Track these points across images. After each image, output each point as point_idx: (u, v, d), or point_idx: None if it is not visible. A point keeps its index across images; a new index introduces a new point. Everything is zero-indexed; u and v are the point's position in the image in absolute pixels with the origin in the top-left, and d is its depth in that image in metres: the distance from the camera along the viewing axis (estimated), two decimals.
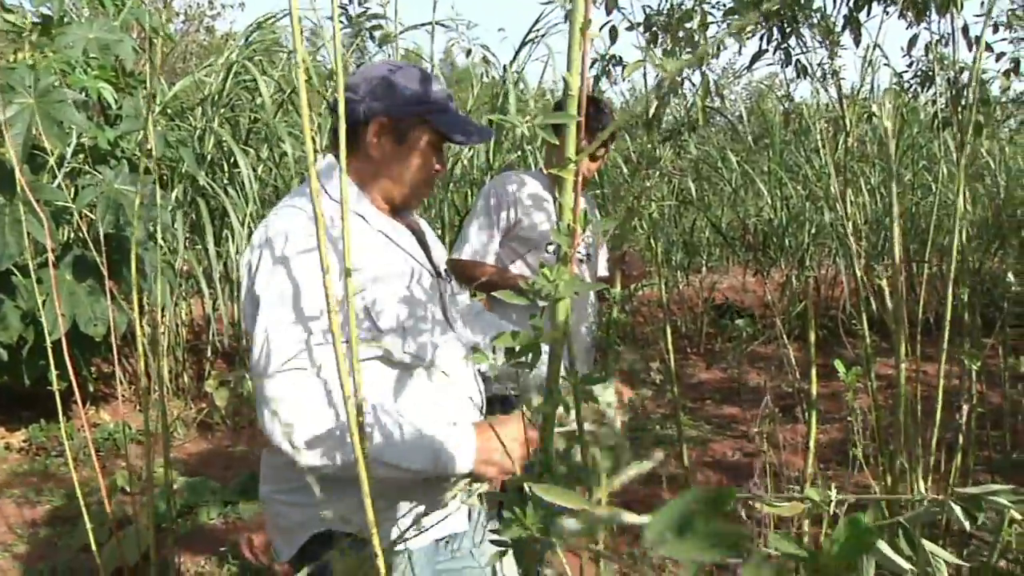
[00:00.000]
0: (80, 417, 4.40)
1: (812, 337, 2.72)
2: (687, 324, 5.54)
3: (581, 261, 2.42)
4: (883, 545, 1.07)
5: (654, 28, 2.37)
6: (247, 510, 3.35)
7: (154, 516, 3.24)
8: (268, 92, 4.12)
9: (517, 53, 4.22)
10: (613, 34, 2.33)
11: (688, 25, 2.33)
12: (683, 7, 2.37)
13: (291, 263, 1.36)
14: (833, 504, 1.18)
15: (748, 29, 2.72)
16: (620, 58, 2.53)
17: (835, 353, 4.42)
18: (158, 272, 3.54)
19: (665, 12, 2.37)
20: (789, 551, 0.90)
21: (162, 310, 4.36)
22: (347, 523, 1.38)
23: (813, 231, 5.27)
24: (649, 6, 2.50)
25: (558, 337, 0.95)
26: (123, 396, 4.63)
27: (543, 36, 4.19)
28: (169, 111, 4.68)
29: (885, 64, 3.00)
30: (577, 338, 2.38)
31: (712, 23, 2.30)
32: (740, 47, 2.47)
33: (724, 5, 2.31)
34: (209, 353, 4.96)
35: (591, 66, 2.52)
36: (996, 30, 3.15)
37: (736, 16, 2.26)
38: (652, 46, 2.29)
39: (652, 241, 5.02)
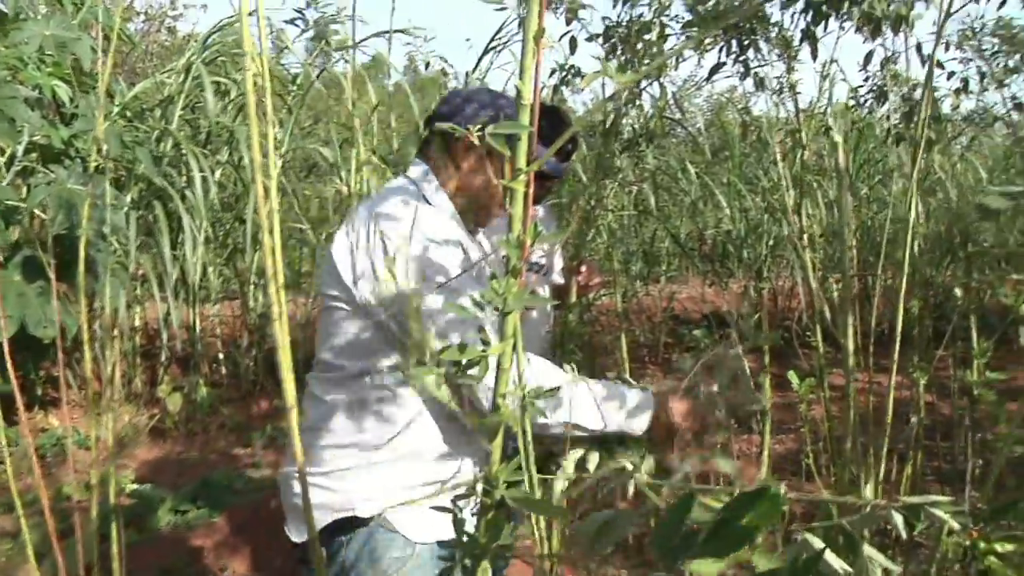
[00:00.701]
0: (29, 422, 4.30)
1: (766, 348, 2.75)
2: (645, 334, 5.57)
3: (537, 271, 2.38)
4: (817, 542, 1.08)
5: (613, 39, 2.39)
6: (198, 518, 3.29)
7: (99, 526, 3.18)
8: (212, 95, 4.07)
9: (479, 61, 4.21)
10: (573, 44, 2.34)
11: (647, 37, 2.35)
12: (642, 19, 2.38)
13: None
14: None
15: (707, 42, 2.75)
16: (579, 68, 2.54)
17: (791, 364, 4.47)
18: (106, 274, 3.48)
19: (624, 24, 2.39)
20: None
21: (114, 312, 4.28)
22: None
23: (771, 243, 5.32)
24: (608, 18, 2.51)
25: (508, 350, 0.94)
26: (71, 401, 4.54)
27: (506, 44, 4.19)
28: (128, 112, 4.60)
29: (843, 79, 3.06)
30: (532, 346, 2.37)
31: (671, 35, 2.32)
32: (699, 60, 2.49)
33: (682, 18, 2.33)
34: (163, 358, 4.88)
35: (550, 75, 2.54)
36: (947, 49, 3.22)
37: (694, 28, 2.28)
38: (611, 57, 2.30)
39: (611, 251, 5.04)
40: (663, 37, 2.28)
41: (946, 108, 2.92)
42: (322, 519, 1.51)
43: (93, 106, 4.14)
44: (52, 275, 2.28)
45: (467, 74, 4.17)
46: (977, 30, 3.19)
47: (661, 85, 2.37)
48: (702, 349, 4.91)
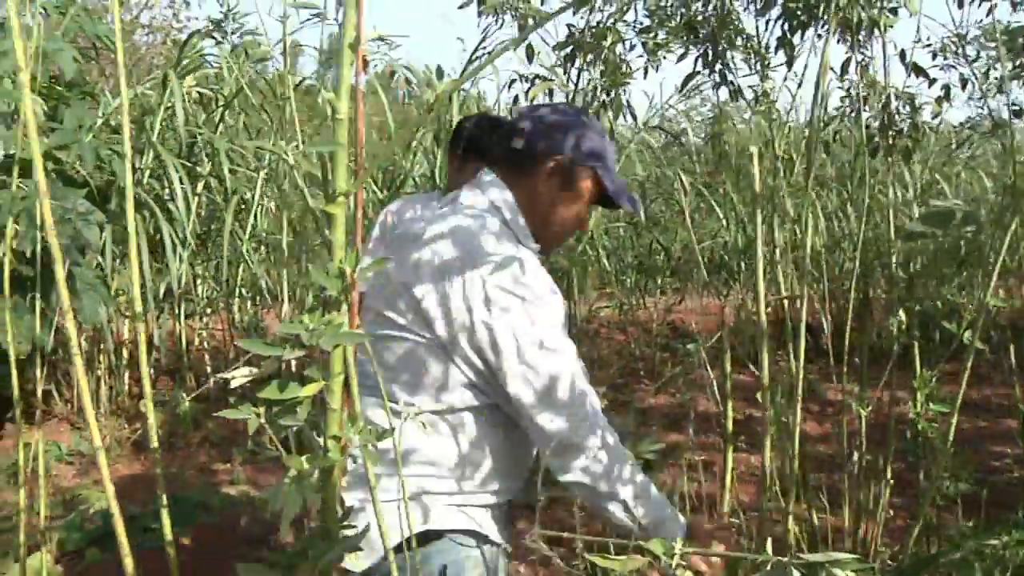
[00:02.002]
0: (12, 436, 4.28)
1: (727, 367, 2.65)
2: (641, 347, 5.46)
3: None
4: None
5: (571, 47, 2.31)
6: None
7: (64, 543, 3.14)
8: (181, 107, 4.03)
9: (464, 71, 4.15)
10: (530, 53, 2.27)
11: (604, 43, 2.27)
12: (600, 25, 2.31)
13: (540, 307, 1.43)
14: (678, 557, 1.11)
15: (679, 51, 2.67)
16: (539, 77, 2.47)
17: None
18: (85, 289, 3.44)
19: (582, 31, 2.31)
20: None
21: (94, 327, 4.25)
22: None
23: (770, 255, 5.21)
24: (572, 25, 2.44)
25: (335, 389, 0.86)
26: (58, 415, 4.51)
27: (490, 53, 4.12)
28: (113, 123, 4.58)
29: (839, 87, 2.94)
30: None
31: (626, 39, 2.24)
32: (656, 66, 2.41)
33: (640, 23, 2.25)
34: (152, 372, 4.84)
35: (510, 85, 2.46)
36: (935, 57, 3.12)
37: (651, 35, 2.20)
38: (569, 65, 2.22)
39: (606, 262, 4.95)
40: (617, 42, 2.19)
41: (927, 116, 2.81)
42: (395, 539, 1.47)
43: (82, 119, 4.12)
44: (6, 290, 2.23)
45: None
46: (964, 35, 3.08)
47: (618, 95, 2.28)
48: (694, 363, 4.81)
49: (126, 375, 4.84)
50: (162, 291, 4.76)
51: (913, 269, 3.49)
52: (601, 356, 5.42)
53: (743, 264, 5.24)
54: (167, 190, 4.35)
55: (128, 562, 1.10)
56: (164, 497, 1.19)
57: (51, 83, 4.23)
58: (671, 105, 4.27)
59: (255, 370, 0.91)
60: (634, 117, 2.39)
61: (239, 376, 0.88)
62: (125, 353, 4.82)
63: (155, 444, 1.21)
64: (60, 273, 1.12)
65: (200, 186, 4.44)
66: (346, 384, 0.87)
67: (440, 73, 1.74)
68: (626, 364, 5.30)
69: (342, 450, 0.87)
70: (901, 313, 2.08)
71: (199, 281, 4.86)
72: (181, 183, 4.08)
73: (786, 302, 6.13)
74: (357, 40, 0.79)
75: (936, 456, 1.40)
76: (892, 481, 2.30)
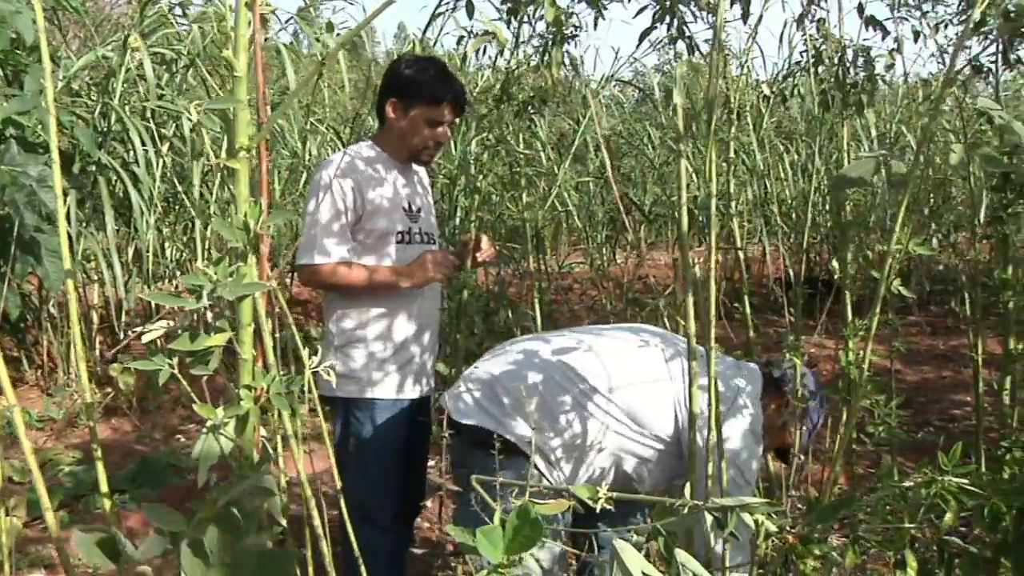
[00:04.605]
0: None
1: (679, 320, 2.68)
2: (613, 302, 5.50)
3: (430, 242, 2.29)
4: (627, 548, 1.03)
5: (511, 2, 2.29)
6: (136, 498, 3.27)
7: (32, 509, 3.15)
8: (151, 68, 3.97)
9: (427, 27, 4.12)
10: (470, 8, 2.26)
11: None
12: None
13: None
14: (602, 501, 1.14)
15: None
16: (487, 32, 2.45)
17: (760, 332, 4.41)
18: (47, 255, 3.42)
19: None
20: None
21: (61, 293, 4.24)
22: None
23: (740, 208, 5.23)
24: None
25: (245, 339, 0.88)
26: (27, 381, 4.51)
27: (454, 9, 4.09)
28: (74, 87, 4.53)
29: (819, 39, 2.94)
30: (431, 320, 2.31)
31: None
32: (596, 20, 2.40)
33: None
34: (122, 336, 4.84)
35: (458, 42, 2.45)
36: (896, 9, 3.12)
37: None
38: (512, 19, 2.21)
39: (570, 218, 4.94)
40: None
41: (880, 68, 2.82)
42: (492, 426, 1.86)
43: (40, 82, 4.06)
44: None
45: (414, 42, 4.07)
46: None
47: (558, 50, 2.26)
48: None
49: (97, 340, 4.84)
50: (130, 255, 4.75)
51: (844, 219, 3.54)
52: (573, 311, 5.47)
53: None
54: (132, 153, 4.31)
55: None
56: (100, 460, 1.21)
57: (11, 48, 4.16)
58: (636, 59, 4.23)
59: (172, 323, 0.92)
60: (576, 70, 2.38)
61: (153, 330, 0.90)
62: (96, 317, 4.82)
63: (89, 400, 1.23)
64: None
65: (166, 148, 4.40)
66: (257, 335, 0.89)
67: (331, 27, 1.73)
68: (598, 319, 5.35)
69: (256, 399, 0.89)
70: (834, 263, 2.11)
71: (167, 244, 4.84)
72: (144, 146, 4.04)
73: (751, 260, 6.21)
74: None
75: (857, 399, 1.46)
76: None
